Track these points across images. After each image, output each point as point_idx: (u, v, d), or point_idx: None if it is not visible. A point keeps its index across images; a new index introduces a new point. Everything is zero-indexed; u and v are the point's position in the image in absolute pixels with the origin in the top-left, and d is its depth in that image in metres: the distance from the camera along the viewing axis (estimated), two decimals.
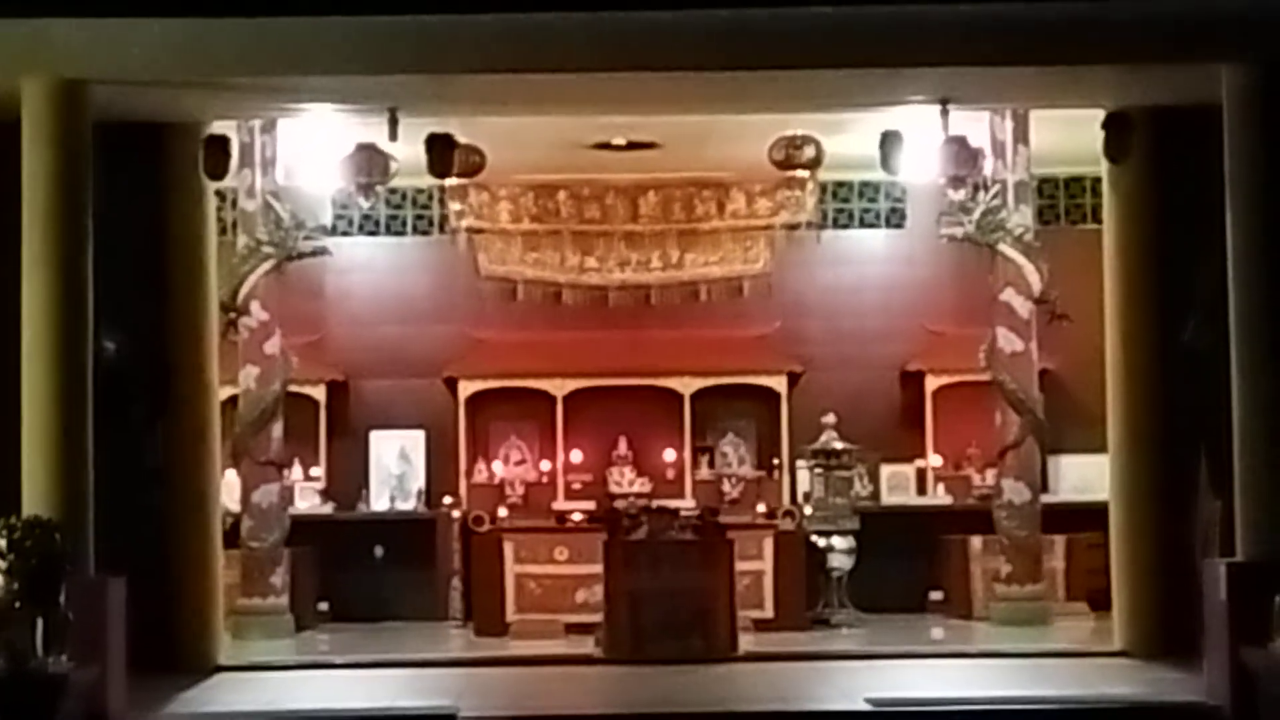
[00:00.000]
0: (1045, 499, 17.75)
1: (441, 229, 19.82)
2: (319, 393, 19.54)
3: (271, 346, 17.27)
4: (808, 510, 18.11)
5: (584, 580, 16.85)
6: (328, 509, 19.32)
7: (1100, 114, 15.03)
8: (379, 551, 18.93)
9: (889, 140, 15.39)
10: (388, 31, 12.66)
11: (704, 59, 13.04)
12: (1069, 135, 16.53)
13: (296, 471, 18.97)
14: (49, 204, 12.85)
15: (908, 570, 18.56)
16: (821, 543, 17.93)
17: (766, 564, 17.27)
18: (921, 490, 19.57)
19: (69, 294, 12.85)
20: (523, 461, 19.83)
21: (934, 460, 19.54)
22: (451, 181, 17.68)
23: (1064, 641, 16.18)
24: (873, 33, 12.86)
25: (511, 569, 17.26)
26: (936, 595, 18.74)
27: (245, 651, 15.89)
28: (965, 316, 18.69)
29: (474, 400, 19.74)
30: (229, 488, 16.80)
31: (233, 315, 16.90)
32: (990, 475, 18.37)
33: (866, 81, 13.86)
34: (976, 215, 17.24)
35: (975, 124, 16.30)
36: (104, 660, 12.05)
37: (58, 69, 12.84)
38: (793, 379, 19.69)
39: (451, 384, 19.77)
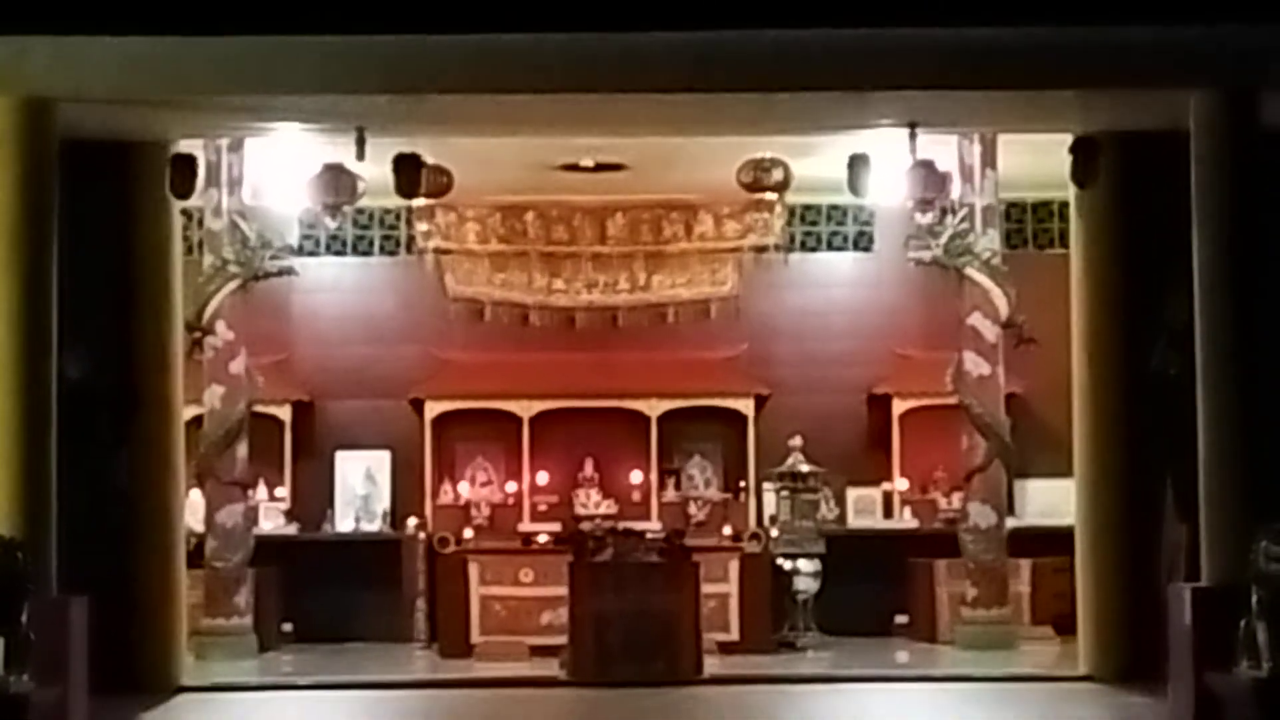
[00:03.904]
0: (1011, 523, 17.73)
1: (409, 249, 19.78)
2: (284, 413, 19.44)
3: (237, 366, 17.22)
4: (774, 533, 18.07)
5: (549, 602, 16.79)
6: (292, 530, 19.26)
7: (1068, 139, 15.08)
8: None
9: (857, 163, 15.39)
10: (356, 51, 12.63)
11: (673, 81, 13.02)
12: (1036, 160, 16.55)
13: (261, 492, 18.91)
14: (14, 223, 12.77)
15: (873, 593, 18.54)
16: (787, 565, 17.91)
17: (732, 586, 17.25)
18: (888, 514, 19.56)
19: (33, 313, 12.77)
20: (489, 483, 19.79)
21: (900, 484, 19.53)
22: (419, 202, 17.69)
23: (1029, 666, 16.18)
24: (841, 56, 12.85)
25: (477, 590, 17.22)
26: (902, 619, 18.73)
27: (208, 672, 15.81)
28: (932, 340, 18.69)
29: (440, 421, 19.68)
30: (193, 508, 16.73)
31: (198, 335, 16.84)
32: (956, 499, 18.38)
33: (835, 105, 13.89)
34: (944, 239, 17.22)
35: (943, 148, 16.31)
36: (66, 680, 12.00)
37: (24, 87, 12.78)
38: (760, 401, 19.66)
39: (418, 405, 19.71)
